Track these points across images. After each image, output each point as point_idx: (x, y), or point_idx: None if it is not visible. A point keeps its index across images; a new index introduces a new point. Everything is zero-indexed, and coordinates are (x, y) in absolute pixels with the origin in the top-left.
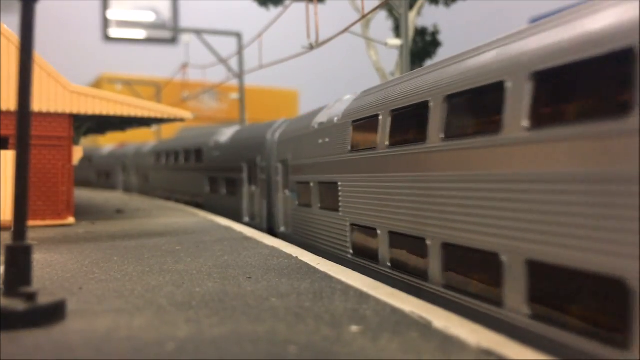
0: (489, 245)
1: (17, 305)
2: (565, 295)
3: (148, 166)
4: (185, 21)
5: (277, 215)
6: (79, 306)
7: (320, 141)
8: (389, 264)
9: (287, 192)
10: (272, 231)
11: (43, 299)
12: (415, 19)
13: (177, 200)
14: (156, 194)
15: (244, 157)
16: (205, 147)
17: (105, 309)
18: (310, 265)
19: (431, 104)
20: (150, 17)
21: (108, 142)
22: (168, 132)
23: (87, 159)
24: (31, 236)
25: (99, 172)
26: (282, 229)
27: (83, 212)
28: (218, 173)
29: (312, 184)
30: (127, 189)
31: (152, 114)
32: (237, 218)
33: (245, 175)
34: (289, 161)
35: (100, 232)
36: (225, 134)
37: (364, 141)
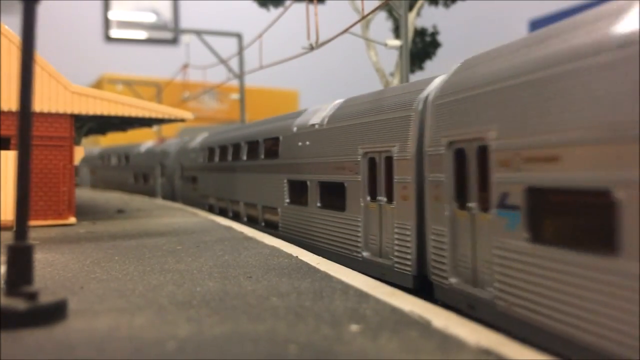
0: None
1: (19, 304)
2: None
3: (196, 166)
4: (185, 22)
5: (441, 255)
6: (80, 305)
7: None
8: None
9: (473, 207)
10: (424, 281)
11: (44, 299)
12: (414, 20)
13: (237, 216)
14: (206, 204)
15: (361, 147)
16: (285, 135)
17: (107, 308)
18: (310, 265)
19: None
20: (151, 18)
21: (150, 138)
22: (169, 133)
23: (124, 157)
24: (33, 236)
25: (136, 174)
26: (454, 280)
27: (84, 212)
28: (308, 174)
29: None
30: (169, 196)
31: (153, 114)
32: (348, 252)
33: (362, 177)
34: (491, 143)
35: (101, 232)
36: (321, 113)
37: None
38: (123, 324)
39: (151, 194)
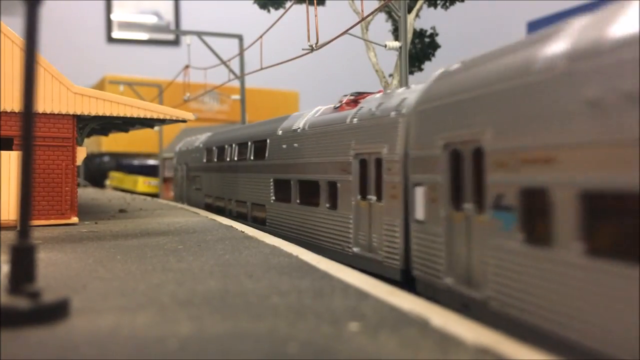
0: None
1: (21, 303)
2: None
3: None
4: (187, 23)
5: None
6: (83, 304)
7: None
8: None
9: None
10: None
11: (47, 297)
12: (414, 21)
13: None
14: None
15: None
16: None
17: (109, 307)
18: (311, 264)
19: None
20: (152, 19)
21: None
22: (169, 134)
23: (252, 147)
24: (35, 235)
25: (281, 184)
26: None
27: (86, 212)
28: None
29: None
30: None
31: (155, 115)
32: None
33: None
34: None
35: (104, 231)
36: None
37: None
38: (125, 323)
39: (329, 237)
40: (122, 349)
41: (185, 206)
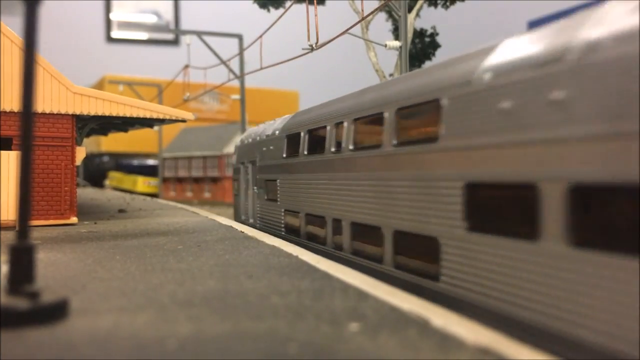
0: None
1: (20, 303)
2: None
3: None
4: (186, 23)
5: None
6: (82, 304)
7: None
8: None
9: None
10: None
11: (46, 298)
12: (414, 21)
13: None
14: None
15: None
16: None
17: (108, 307)
18: (310, 264)
19: None
20: (152, 19)
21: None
22: (169, 134)
23: (401, 121)
24: (35, 235)
25: (488, 193)
26: None
27: (86, 212)
28: None
29: None
30: None
31: (154, 115)
32: None
33: None
34: None
35: (103, 232)
36: None
37: None
38: (124, 323)
39: None
40: (122, 349)
41: (185, 206)
